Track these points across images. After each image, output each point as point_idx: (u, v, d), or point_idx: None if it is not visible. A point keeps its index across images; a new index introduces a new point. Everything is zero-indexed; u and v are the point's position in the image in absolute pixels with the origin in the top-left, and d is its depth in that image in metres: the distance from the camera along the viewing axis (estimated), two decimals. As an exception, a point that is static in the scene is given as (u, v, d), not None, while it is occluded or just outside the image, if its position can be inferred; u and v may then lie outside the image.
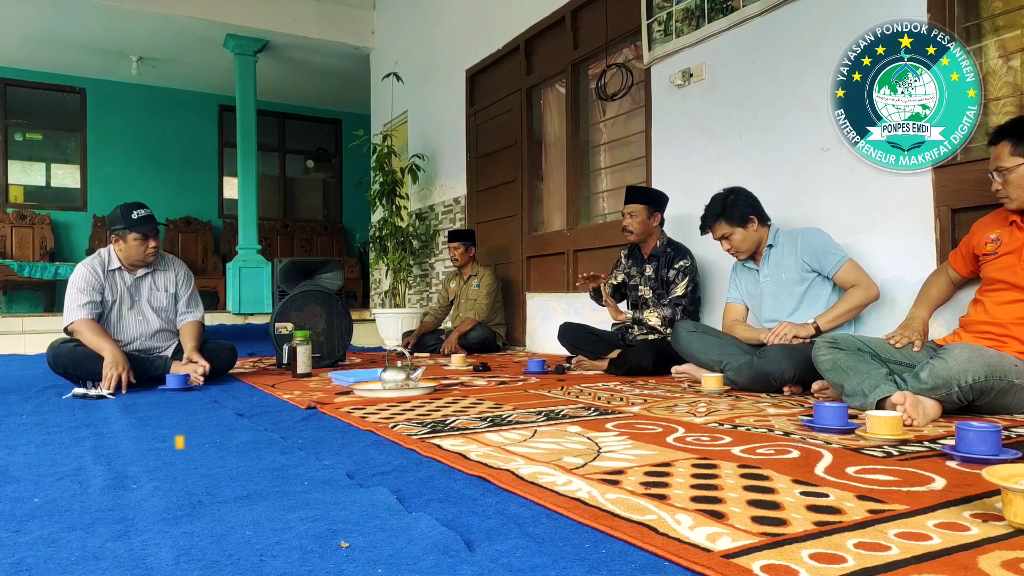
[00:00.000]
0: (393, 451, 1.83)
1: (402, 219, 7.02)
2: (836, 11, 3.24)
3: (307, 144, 11.17)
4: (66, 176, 9.84)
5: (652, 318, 3.72)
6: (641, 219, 3.79)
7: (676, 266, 3.75)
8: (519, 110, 5.73)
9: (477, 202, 6.34)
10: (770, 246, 3.15)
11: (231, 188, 10.04)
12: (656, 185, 4.20)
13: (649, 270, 3.87)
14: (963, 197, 2.79)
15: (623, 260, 4.05)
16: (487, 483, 1.48)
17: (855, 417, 2.10)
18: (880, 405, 2.17)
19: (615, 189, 4.91)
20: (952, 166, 2.85)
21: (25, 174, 9.63)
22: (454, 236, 5.46)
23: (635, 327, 3.86)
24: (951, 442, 1.68)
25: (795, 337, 2.89)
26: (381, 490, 1.39)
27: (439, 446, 1.83)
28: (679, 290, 3.72)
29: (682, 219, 3.97)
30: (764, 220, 3.15)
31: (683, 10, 4.01)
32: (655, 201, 3.84)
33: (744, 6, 3.64)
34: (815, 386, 2.67)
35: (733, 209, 3.10)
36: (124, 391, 3.14)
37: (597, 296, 4.03)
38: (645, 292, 3.86)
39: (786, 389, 2.81)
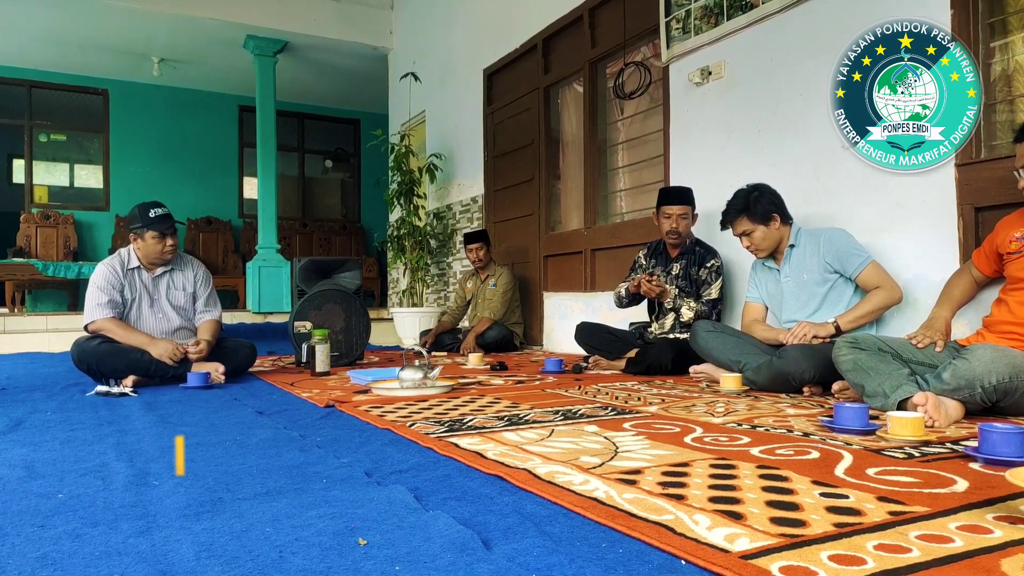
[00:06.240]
0: (411, 450, 1.84)
1: (420, 218, 7.04)
2: (856, 8, 3.20)
3: (326, 144, 11.24)
4: (89, 176, 9.98)
5: (686, 311, 3.68)
6: (689, 220, 3.79)
7: (708, 265, 3.73)
8: (537, 109, 5.72)
9: (494, 201, 6.34)
10: (791, 246, 3.12)
11: (251, 188, 10.13)
12: (674, 184, 4.18)
13: (676, 268, 3.84)
14: (987, 195, 2.75)
15: (644, 260, 4.02)
16: (504, 482, 1.48)
17: (876, 418, 2.08)
18: (902, 406, 2.15)
19: (633, 188, 4.89)
20: (976, 164, 2.81)
21: (49, 174, 9.78)
22: (474, 238, 5.42)
23: (655, 323, 3.84)
24: (974, 444, 1.66)
25: (815, 337, 2.87)
26: (399, 488, 1.40)
27: (456, 445, 1.84)
28: (714, 292, 3.70)
29: (701, 217, 3.95)
30: (787, 219, 3.13)
31: (702, 7, 3.98)
32: (694, 200, 3.82)
33: (763, 3, 3.62)
34: (835, 386, 2.65)
35: (756, 206, 3.08)
36: (193, 357, 3.41)
37: (631, 300, 3.87)
38: (672, 290, 3.83)
39: (806, 389, 2.78)
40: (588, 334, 4.08)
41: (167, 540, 1.14)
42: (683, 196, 3.79)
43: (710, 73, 3.97)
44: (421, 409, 2.51)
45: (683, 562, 1.02)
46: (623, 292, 3.87)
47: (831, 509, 1.24)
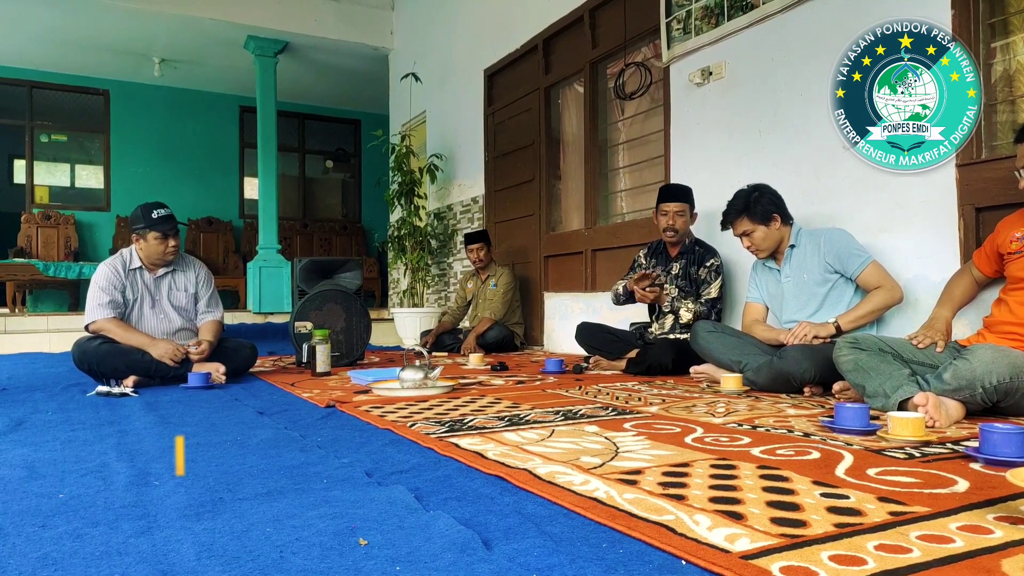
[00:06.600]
0: (411, 450, 1.84)
1: (420, 219, 7.05)
2: (856, 8, 3.20)
3: (326, 144, 11.24)
4: (90, 177, 9.99)
5: (684, 313, 3.68)
6: (686, 218, 3.78)
7: (707, 264, 3.73)
8: (537, 109, 5.72)
9: (495, 202, 6.34)
10: (792, 246, 3.12)
11: (252, 188, 10.14)
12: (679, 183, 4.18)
13: (676, 268, 3.84)
14: (987, 195, 2.75)
15: (643, 259, 4.01)
16: (505, 482, 1.48)
17: (877, 418, 2.08)
18: (902, 406, 2.14)
19: (633, 188, 4.89)
20: (976, 164, 2.81)
21: (50, 175, 9.79)
22: (474, 238, 5.41)
23: (655, 323, 3.84)
24: (975, 444, 1.66)
25: (815, 337, 2.86)
26: (399, 488, 1.40)
27: (457, 445, 1.84)
28: (713, 292, 3.69)
29: (701, 217, 3.95)
30: (787, 219, 3.13)
31: (702, 8, 3.98)
32: (693, 198, 3.82)
33: (764, 3, 3.62)
34: (836, 387, 2.65)
35: (756, 206, 3.08)
36: (195, 357, 3.42)
37: (628, 297, 3.87)
38: (671, 291, 3.83)
39: (806, 390, 2.78)
40: (588, 334, 4.08)
41: (168, 540, 1.14)
42: (680, 194, 3.79)
43: (711, 73, 3.97)
44: (422, 409, 2.51)
45: (683, 562, 1.02)
46: (620, 289, 3.86)
47: (832, 509, 1.24)
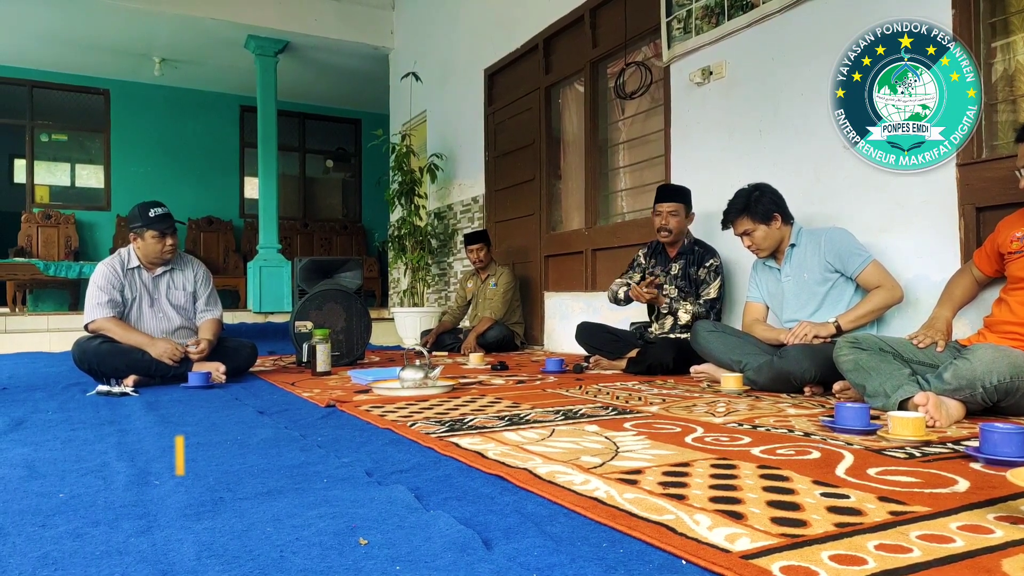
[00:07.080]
0: (411, 449, 1.84)
1: (421, 218, 7.05)
2: (856, 8, 3.20)
3: (327, 144, 11.24)
4: (90, 176, 9.99)
5: (683, 315, 3.68)
6: (681, 218, 3.77)
7: (707, 265, 3.73)
8: (537, 109, 5.72)
9: (495, 201, 6.34)
10: (792, 245, 3.12)
11: (252, 188, 10.14)
12: (674, 184, 4.18)
13: (675, 268, 3.83)
14: (988, 195, 2.75)
15: (643, 259, 4.01)
16: (505, 482, 1.48)
17: (877, 418, 2.08)
18: (903, 406, 2.14)
19: (634, 188, 4.89)
20: (977, 164, 2.81)
21: (51, 174, 9.79)
22: (474, 238, 5.41)
23: (655, 324, 3.84)
24: (975, 444, 1.66)
25: (816, 337, 2.86)
26: (399, 488, 1.40)
27: (457, 445, 1.84)
28: (713, 292, 3.69)
29: (701, 217, 3.95)
30: (788, 219, 3.13)
31: (703, 7, 3.98)
32: (689, 199, 3.82)
33: (764, 3, 3.62)
34: (836, 386, 2.65)
35: (757, 205, 3.08)
36: (194, 356, 3.42)
37: (628, 299, 3.88)
38: (670, 291, 3.83)
39: (807, 389, 2.78)
40: (589, 334, 4.08)
41: (168, 540, 1.14)
42: (673, 194, 3.79)
43: (711, 73, 3.97)
44: (422, 409, 2.51)
45: (684, 562, 1.02)
46: (621, 295, 3.85)
47: (832, 509, 1.24)
